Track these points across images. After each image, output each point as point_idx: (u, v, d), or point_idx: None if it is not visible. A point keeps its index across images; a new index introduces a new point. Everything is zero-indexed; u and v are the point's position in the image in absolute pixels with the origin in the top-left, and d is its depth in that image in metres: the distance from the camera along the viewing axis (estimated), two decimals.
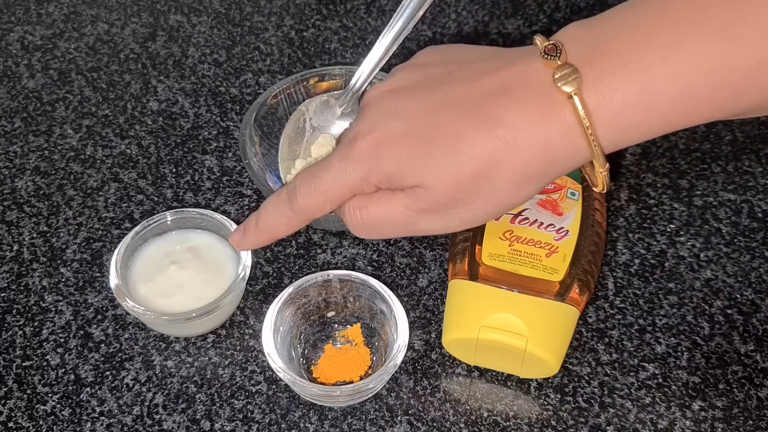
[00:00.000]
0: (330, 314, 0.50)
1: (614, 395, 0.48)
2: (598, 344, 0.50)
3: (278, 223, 0.46)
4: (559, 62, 0.37)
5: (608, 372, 0.49)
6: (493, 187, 0.39)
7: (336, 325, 0.51)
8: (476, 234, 0.49)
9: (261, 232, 0.47)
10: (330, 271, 0.49)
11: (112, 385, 0.49)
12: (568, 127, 0.37)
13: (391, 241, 0.56)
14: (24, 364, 0.50)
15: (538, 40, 0.38)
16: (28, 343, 0.51)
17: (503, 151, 0.38)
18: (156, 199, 0.58)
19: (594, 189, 0.42)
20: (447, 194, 0.39)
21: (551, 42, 0.37)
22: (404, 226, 0.42)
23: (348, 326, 0.50)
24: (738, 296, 0.52)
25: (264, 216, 0.46)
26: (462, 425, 0.47)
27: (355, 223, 0.43)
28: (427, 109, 0.40)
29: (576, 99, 0.36)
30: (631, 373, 0.49)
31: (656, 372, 0.49)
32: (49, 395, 0.48)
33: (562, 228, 0.49)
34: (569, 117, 0.36)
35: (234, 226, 0.51)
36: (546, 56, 0.37)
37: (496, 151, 0.38)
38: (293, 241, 0.56)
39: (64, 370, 0.49)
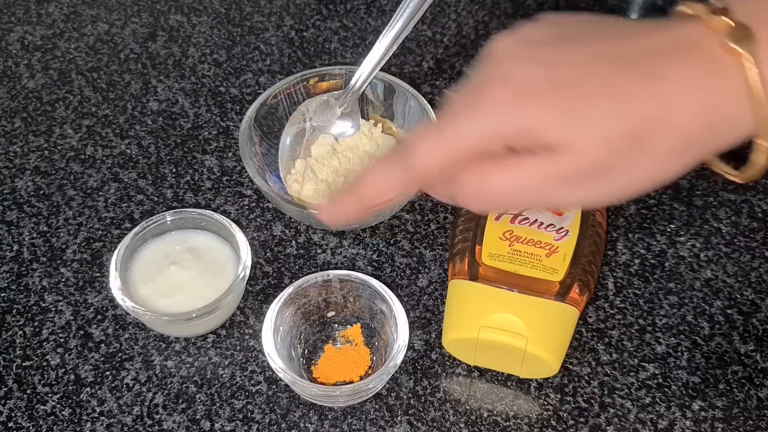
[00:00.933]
0: (330, 314, 0.50)
1: (614, 395, 0.48)
2: (598, 344, 0.50)
3: (386, 186, 0.38)
4: (732, 23, 0.34)
5: (608, 372, 0.49)
6: (649, 153, 0.34)
7: (336, 325, 0.51)
8: (476, 234, 0.49)
9: (362, 198, 0.39)
10: (330, 271, 0.49)
11: (112, 385, 0.49)
12: (737, 92, 0.34)
13: (391, 241, 0.56)
14: (24, 364, 0.50)
15: (690, 6, 0.35)
16: (28, 343, 0.51)
17: (667, 111, 0.34)
18: (156, 199, 0.58)
19: (733, 179, 0.38)
20: (597, 158, 0.34)
21: (718, 4, 0.34)
22: (534, 197, 0.36)
23: (348, 326, 0.50)
24: (738, 296, 0.52)
25: (369, 179, 0.39)
26: (462, 425, 0.47)
27: (473, 194, 0.37)
28: (577, 59, 0.35)
29: (750, 62, 0.33)
30: (631, 373, 0.49)
31: (656, 372, 0.49)
32: (49, 395, 0.48)
33: (562, 228, 0.49)
34: (738, 81, 0.33)
35: (234, 226, 0.51)
36: (714, 16, 0.34)
37: (660, 110, 0.34)
38: (293, 241, 0.56)
39: (64, 370, 0.49)
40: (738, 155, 0.37)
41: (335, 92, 0.59)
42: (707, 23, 0.34)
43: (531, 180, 0.35)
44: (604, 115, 0.33)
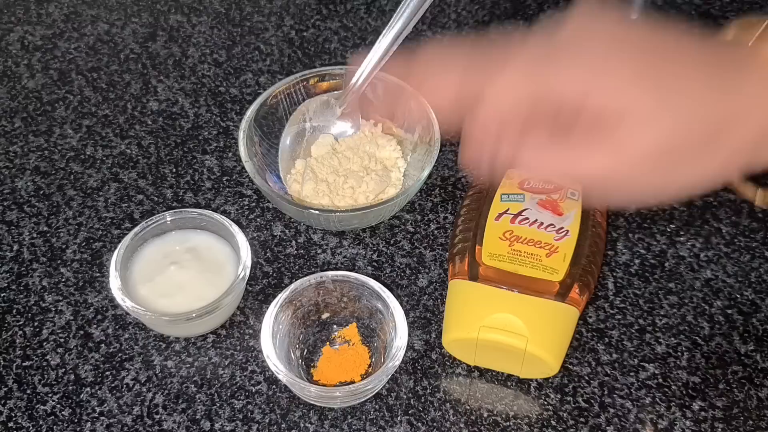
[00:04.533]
0: (324, 315, 0.50)
1: (614, 395, 0.48)
2: (598, 344, 0.50)
3: (444, 84, 0.39)
4: None
5: (608, 372, 0.49)
6: (719, 148, 0.36)
7: (334, 327, 0.50)
8: (476, 234, 0.49)
9: (415, 73, 0.41)
10: (323, 273, 0.49)
11: (112, 385, 0.49)
12: None
13: (391, 241, 0.56)
14: (24, 364, 0.50)
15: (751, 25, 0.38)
16: (28, 343, 0.51)
17: (745, 110, 0.36)
18: (156, 199, 0.58)
19: (759, 204, 0.41)
20: (676, 139, 0.35)
21: None
22: (610, 181, 0.37)
23: (345, 327, 0.50)
24: (738, 296, 0.52)
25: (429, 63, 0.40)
26: (462, 425, 0.47)
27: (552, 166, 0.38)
28: (668, 49, 0.36)
29: None
30: (631, 373, 0.49)
31: (656, 372, 0.49)
32: (49, 395, 0.48)
33: (562, 228, 0.49)
34: None
35: (234, 226, 0.51)
36: None
37: (739, 108, 0.36)
38: (293, 241, 0.56)
39: (64, 370, 0.49)
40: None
41: (335, 92, 0.59)
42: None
43: (615, 158, 0.35)
44: (692, 101, 0.35)
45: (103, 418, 0.47)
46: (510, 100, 0.36)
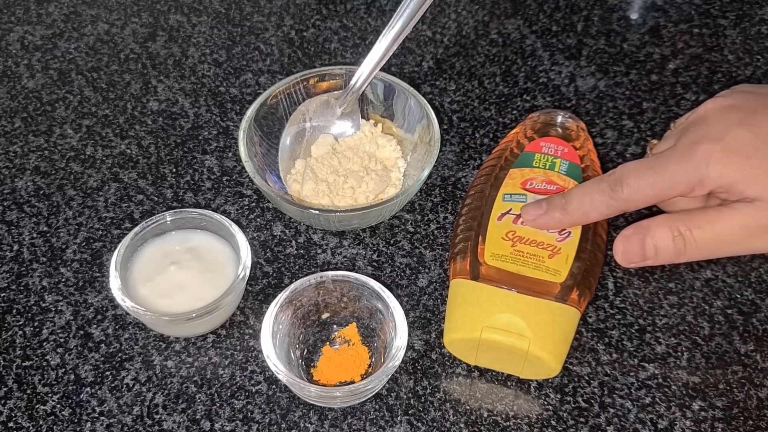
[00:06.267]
0: (324, 315, 0.50)
1: (614, 395, 0.48)
2: (598, 344, 0.50)
3: (591, 208, 0.45)
4: None
5: (608, 372, 0.49)
6: None
7: (334, 327, 0.50)
8: (478, 234, 0.49)
9: (568, 213, 0.46)
10: (323, 273, 0.49)
11: (112, 385, 0.49)
12: None
13: (391, 241, 0.56)
14: (24, 364, 0.50)
15: None
16: (28, 343, 0.51)
17: None
18: (156, 199, 0.58)
19: None
20: None
21: None
22: (733, 246, 0.42)
23: (345, 326, 0.50)
24: (738, 296, 0.52)
25: (577, 199, 0.46)
26: (462, 425, 0.47)
27: (679, 248, 0.42)
28: None
29: None
30: (631, 373, 0.49)
31: (656, 372, 0.49)
32: (49, 395, 0.48)
33: (564, 229, 0.49)
34: None
35: (234, 226, 0.51)
36: None
37: None
38: (293, 241, 0.56)
39: (64, 370, 0.49)
40: None
41: (335, 92, 0.59)
42: None
43: (732, 229, 0.41)
44: None
45: (103, 418, 0.47)
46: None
